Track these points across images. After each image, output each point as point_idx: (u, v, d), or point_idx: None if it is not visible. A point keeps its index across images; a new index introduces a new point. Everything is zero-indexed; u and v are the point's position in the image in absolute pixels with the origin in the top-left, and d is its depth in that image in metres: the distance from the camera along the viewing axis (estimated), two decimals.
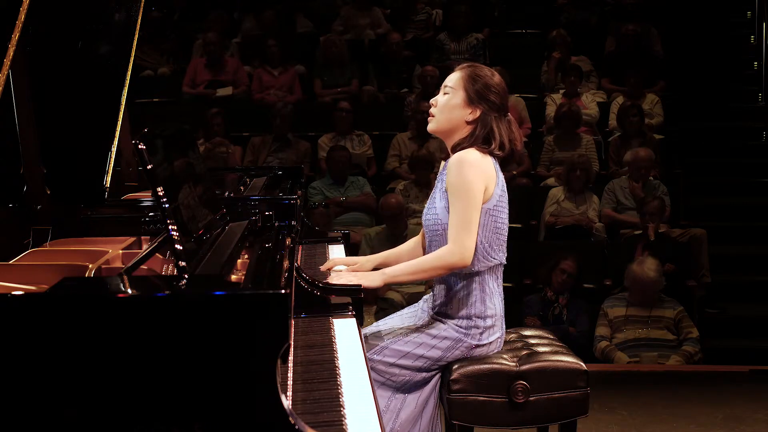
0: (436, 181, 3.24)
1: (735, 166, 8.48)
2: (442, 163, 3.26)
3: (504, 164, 3.18)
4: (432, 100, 3.21)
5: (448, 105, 3.14)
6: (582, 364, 3.22)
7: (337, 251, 3.92)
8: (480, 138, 3.11)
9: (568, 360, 3.22)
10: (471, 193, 3.02)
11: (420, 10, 9.70)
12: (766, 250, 7.50)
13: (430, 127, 3.21)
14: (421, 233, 3.37)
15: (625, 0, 9.42)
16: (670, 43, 9.12)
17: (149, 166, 2.37)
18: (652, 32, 8.99)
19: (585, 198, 7.33)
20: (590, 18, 9.45)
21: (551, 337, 3.51)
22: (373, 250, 6.80)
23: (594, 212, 7.30)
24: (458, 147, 3.12)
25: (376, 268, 3.29)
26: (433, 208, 3.15)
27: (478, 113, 3.11)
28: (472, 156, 3.07)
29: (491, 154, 3.11)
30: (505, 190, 3.17)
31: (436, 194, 3.16)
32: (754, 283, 7.29)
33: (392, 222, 6.64)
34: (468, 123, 3.12)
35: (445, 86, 3.17)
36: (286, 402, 1.90)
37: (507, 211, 3.17)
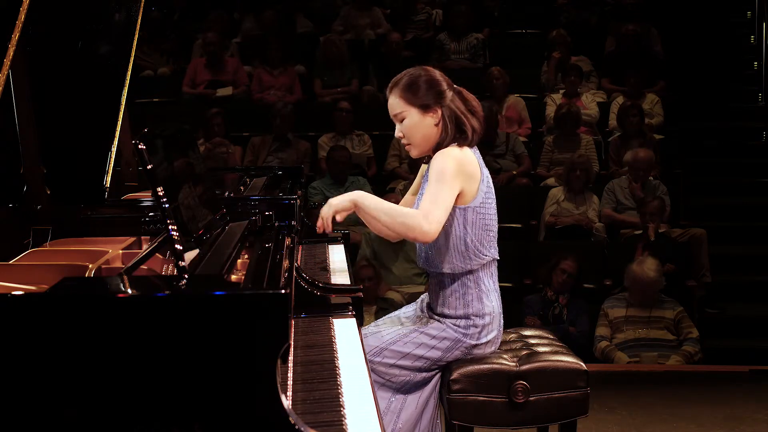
0: (422, 182, 3.23)
1: (735, 166, 8.48)
2: (424, 166, 3.27)
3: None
4: (397, 133, 3.18)
5: (412, 127, 3.12)
6: (582, 364, 3.22)
7: (337, 251, 3.92)
8: (454, 132, 3.10)
9: (568, 360, 3.22)
10: (448, 179, 3.00)
11: (420, 10, 9.70)
12: (766, 250, 7.51)
13: (414, 155, 3.20)
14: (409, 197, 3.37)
15: (625, 0, 9.42)
16: (670, 43, 9.12)
17: (149, 166, 2.37)
18: (652, 32, 8.99)
19: (585, 198, 7.33)
20: (590, 18, 9.45)
21: (551, 337, 3.51)
22: (373, 250, 6.81)
23: (594, 212, 7.30)
24: (439, 148, 3.12)
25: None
26: None
27: (439, 113, 3.11)
28: (455, 151, 3.07)
29: (469, 143, 3.11)
30: (491, 186, 3.17)
31: (423, 192, 3.16)
32: (754, 283, 7.29)
33: None
34: (437, 125, 3.12)
35: (395, 115, 3.15)
36: (286, 402, 1.90)
37: (494, 206, 3.17)
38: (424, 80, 3.12)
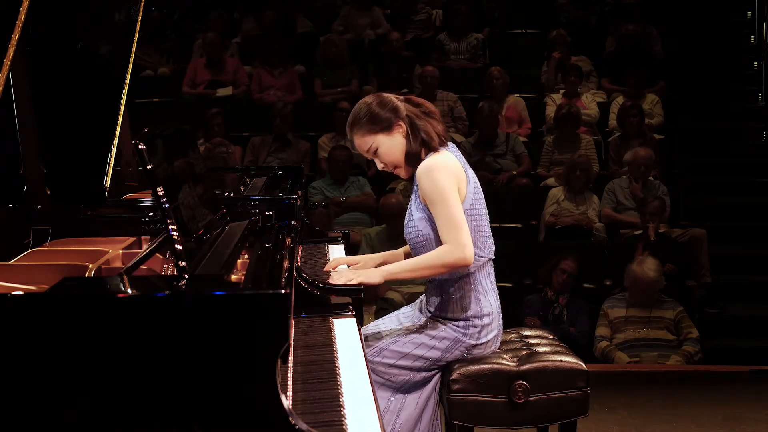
0: (411, 194, 3.24)
1: (735, 166, 8.47)
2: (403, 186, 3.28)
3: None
4: (380, 167, 3.23)
5: (388, 151, 3.16)
6: (582, 364, 3.22)
7: (337, 251, 3.92)
8: (420, 138, 3.11)
9: (568, 360, 3.22)
10: (447, 194, 3.03)
11: (420, 10, 9.70)
12: (766, 250, 7.50)
13: (405, 176, 3.24)
14: None
15: (625, 0, 9.42)
16: (670, 43, 9.12)
17: (149, 166, 2.37)
18: (652, 32, 8.99)
19: (585, 198, 7.33)
20: (590, 18, 9.44)
21: (551, 337, 3.51)
22: (373, 250, 6.80)
23: (594, 212, 7.30)
24: (414, 158, 3.14)
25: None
26: (412, 220, 3.16)
27: (403, 126, 3.13)
28: (436, 161, 3.09)
29: (440, 145, 3.12)
30: (478, 185, 3.18)
31: (412, 206, 3.18)
32: (754, 283, 7.28)
33: (392, 222, 6.63)
34: (405, 138, 3.14)
35: (367, 152, 3.19)
36: (286, 402, 1.90)
37: (484, 205, 3.18)
38: (376, 105, 3.16)
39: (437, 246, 3.09)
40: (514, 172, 7.75)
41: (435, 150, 3.11)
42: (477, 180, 3.19)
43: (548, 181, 7.77)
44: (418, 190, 3.12)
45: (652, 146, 7.62)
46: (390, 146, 3.14)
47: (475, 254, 3.12)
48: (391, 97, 3.18)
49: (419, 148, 3.12)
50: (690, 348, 6.26)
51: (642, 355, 6.26)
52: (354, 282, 3.06)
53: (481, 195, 3.17)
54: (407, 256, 3.36)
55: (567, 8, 9.47)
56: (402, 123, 3.13)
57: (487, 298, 3.16)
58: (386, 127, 3.13)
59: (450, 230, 3.02)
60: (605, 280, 6.84)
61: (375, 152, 3.17)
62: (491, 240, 3.20)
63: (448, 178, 3.04)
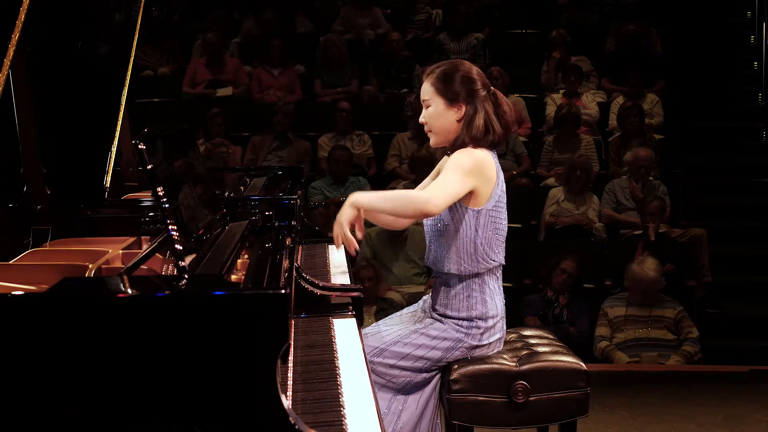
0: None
1: (735, 166, 8.48)
2: (445, 158, 3.26)
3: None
4: (421, 118, 3.20)
5: (435, 115, 3.14)
6: (582, 364, 3.22)
7: (337, 251, 3.91)
8: (475, 132, 3.10)
9: (568, 360, 3.22)
10: (460, 170, 3.03)
11: (420, 10, 9.70)
12: (766, 250, 7.50)
13: (432, 143, 3.22)
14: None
15: (625, 0, 9.43)
16: (670, 43, 9.12)
17: (149, 166, 2.37)
18: (652, 32, 8.99)
19: (585, 198, 7.33)
20: (590, 18, 9.45)
21: (551, 337, 3.51)
22: (374, 250, 6.81)
23: (594, 212, 7.30)
24: (457, 144, 3.13)
25: None
26: None
27: (463, 109, 3.11)
28: (478, 152, 3.08)
29: (489, 146, 3.11)
30: (504, 190, 3.17)
31: None
32: (754, 283, 7.29)
33: None
34: (459, 121, 3.12)
35: (424, 100, 3.17)
36: (286, 402, 1.90)
37: (506, 212, 3.17)
38: (460, 75, 3.13)
39: (455, 236, 3.09)
40: (514, 172, 7.75)
41: (481, 147, 3.11)
42: (505, 187, 3.19)
43: (548, 181, 7.78)
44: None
45: (652, 146, 7.62)
46: (439, 115, 3.13)
47: (488, 257, 3.12)
48: (479, 81, 3.14)
49: (468, 141, 3.10)
50: (690, 348, 6.27)
51: (642, 355, 6.26)
52: (337, 232, 3.04)
53: (504, 201, 3.16)
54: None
55: (567, 8, 9.47)
56: (464, 108, 3.11)
57: (493, 300, 3.16)
58: (450, 100, 3.11)
59: (437, 186, 3.03)
60: (605, 280, 6.84)
61: (427, 107, 3.16)
62: (504, 246, 3.20)
63: (475, 167, 3.04)
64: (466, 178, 3.03)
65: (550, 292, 6.46)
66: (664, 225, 7.05)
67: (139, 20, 3.17)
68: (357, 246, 3.11)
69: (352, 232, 3.07)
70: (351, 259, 3.79)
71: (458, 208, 3.09)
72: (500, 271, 3.22)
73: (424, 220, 3.22)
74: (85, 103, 3.06)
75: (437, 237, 3.15)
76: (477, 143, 3.10)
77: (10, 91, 2.83)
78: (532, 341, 3.40)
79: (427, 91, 3.16)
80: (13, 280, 2.43)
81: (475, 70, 3.17)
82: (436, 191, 3.02)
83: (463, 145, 3.11)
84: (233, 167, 6.94)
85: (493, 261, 3.14)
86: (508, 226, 3.20)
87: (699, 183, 8.17)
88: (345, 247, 3.11)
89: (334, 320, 2.94)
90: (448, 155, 3.19)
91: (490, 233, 3.10)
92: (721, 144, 8.71)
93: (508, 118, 3.17)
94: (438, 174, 3.17)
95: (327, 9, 9.73)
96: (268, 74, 8.80)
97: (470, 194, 3.07)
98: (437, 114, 3.13)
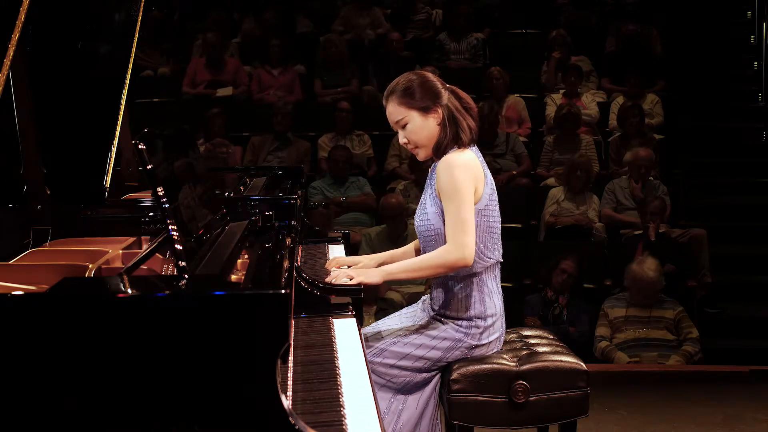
0: (425, 187, 3.23)
1: (735, 166, 8.47)
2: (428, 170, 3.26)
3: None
4: (401, 140, 3.19)
5: (417, 129, 3.13)
6: (582, 364, 3.22)
7: (337, 251, 3.92)
8: (453, 131, 3.10)
9: (568, 360, 3.22)
10: (462, 193, 3.02)
11: (420, 10, 9.69)
12: (766, 250, 7.50)
13: (421, 157, 3.21)
14: None
15: (625, 0, 9.42)
16: (670, 43, 9.12)
17: (149, 166, 2.37)
18: (652, 32, 8.99)
19: (585, 198, 7.33)
20: (590, 18, 9.44)
21: (551, 337, 3.51)
22: (373, 250, 6.79)
23: (594, 212, 7.30)
24: (441, 149, 3.12)
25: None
26: (425, 213, 3.15)
27: (439, 112, 3.12)
28: (459, 158, 3.08)
29: (468, 143, 3.11)
30: (494, 188, 3.18)
31: (427, 200, 3.17)
32: (754, 283, 7.28)
33: (392, 222, 6.64)
34: (439, 125, 3.12)
35: (396, 123, 3.15)
36: (286, 402, 1.90)
37: (498, 208, 3.17)
38: (419, 83, 3.13)
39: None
40: (514, 172, 7.75)
41: (462, 146, 3.11)
42: (494, 183, 3.19)
43: (548, 181, 7.77)
44: (434, 184, 3.12)
45: (652, 146, 7.62)
46: (420, 127, 3.12)
47: (484, 255, 3.12)
48: (437, 81, 3.15)
49: (449, 141, 3.11)
50: (690, 348, 6.26)
51: (642, 355, 6.26)
52: (354, 282, 3.05)
53: (496, 198, 3.17)
54: (407, 256, 3.35)
55: (567, 8, 9.47)
56: (439, 110, 3.11)
57: (492, 299, 3.16)
58: (423, 108, 3.11)
59: (456, 229, 3.02)
60: (605, 280, 6.84)
61: (403, 126, 3.14)
62: (500, 243, 3.20)
63: (467, 177, 3.04)
64: (468, 192, 3.03)
65: (550, 292, 6.46)
66: (664, 225, 7.05)
67: (139, 20, 3.17)
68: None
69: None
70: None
71: None
72: (498, 270, 3.22)
73: (416, 228, 3.22)
74: (85, 103, 3.06)
75: (430, 242, 3.15)
76: (458, 142, 3.10)
77: (10, 91, 2.83)
78: (532, 341, 3.40)
79: (396, 111, 3.14)
80: (13, 280, 2.44)
81: (430, 74, 3.20)
82: (459, 238, 3.01)
83: (445, 149, 3.11)
84: (233, 167, 6.94)
85: (490, 258, 3.14)
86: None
87: (699, 183, 8.16)
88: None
89: (334, 320, 2.94)
90: (428, 167, 3.20)
91: (483, 232, 3.10)
92: (721, 144, 8.70)
93: (474, 112, 3.18)
94: (430, 193, 3.16)
95: (327, 9, 9.73)
96: (268, 74, 8.80)
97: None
98: (419, 127, 3.12)
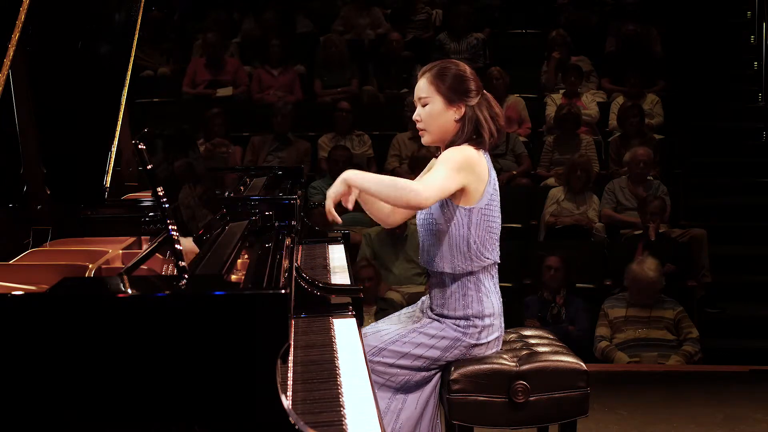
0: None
1: (735, 166, 8.48)
2: (433, 160, 3.26)
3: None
4: (415, 116, 3.18)
5: (432, 114, 3.13)
6: (582, 364, 3.22)
7: (337, 251, 3.92)
8: (471, 133, 3.11)
9: (568, 360, 3.22)
10: (451, 164, 3.02)
11: (420, 10, 9.70)
12: (766, 250, 7.50)
13: (425, 141, 3.20)
14: None
15: (625, 0, 9.43)
16: (670, 43, 9.12)
17: (149, 166, 2.37)
18: (652, 32, 9.00)
19: (585, 198, 7.33)
20: (590, 18, 9.45)
21: (551, 337, 3.51)
22: (373, 250, 6.81)
23: (594, 212, 7.30)
24: (452, 145, 3.13)
25: None
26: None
27: (462, 110, 3.11)
28: (468, 150, 3.08)
29: (484, 147, 3.12)
30: (497, 189, 3.18)
31: None
32: (754, 283, 7.29)
33: None
34: (457, 122, 3.12)
35: (420, 97, 3.15)
36: (286, 402, 1.90)
37: (499, 210, 3.17)
38: (455, 73, 3.13)
39: (447, 234, 3.09)
40: (514, 172, 7.75)
41: (477, 146, 3.11)
42: (498, 185, 3.20)
43: (548, 181, 7.78)
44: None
45: (652, 146, 7.62)
46: (438, 114, 3.12)
47: (482, 254, 3.12)
48: (474, 81, 3.14)
49: (463, 141, 3.11)
50: (690, 348, 6.26)
51: (642, 355, 6.26)
52: (327, 205, 2.99)
53: (497, 199, 3.17)
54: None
55: (567, 8, 9.48)
56: (463, 108, 3.10)
57: (489, 299, 3.16)
58: (448, 98, 3.10)
59: (428, 179, 3.02)
60: (605, 280, 6.84)
61: (424, 105, 3.14)
62: (498, 246, 3.20)
63: (466, 163, 3.04)
64: (457, 173, 3.03)
65: (545, 292, 6.46)
66: (664, 225, 7.05)
67: (139, 20, 3.17)
68: (339, 220, 3.06)
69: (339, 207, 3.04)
70: (351, 259, 3.80)
71: (449, 206, 3.10)
72: (496, 270, 3.22)
73: (417, 221, 3.22)
74: (85, 103, 3.06)
75: (429, 236, 3.15)
76: (473, 144, 3.10)
77: (10, 91, 2.83)
78: (532, 341, 3.40)
79: (424, 88, 3.14)
80: (13, 280, 2.43)
81: (470, 71, 3.18)
82: (428, 183, 3.01)
83: (455, 145, 3.11)
84: (233, 167, 6.94)
85: (488, 259, 3.14)
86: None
87: (699, 183, 8.17)
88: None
89: (334, 320, 2.94)
90: (436, 157, 3.20)
91: (483, 231, 3.10)
92: (721, 144, 8.71)
93: (500, 121, 3.18)
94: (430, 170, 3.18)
95: (327, 9, 9.74)
96: (268, 74, 8.80)
97: (461, 192, 3.07)
98: (436, 113, 3.12)
